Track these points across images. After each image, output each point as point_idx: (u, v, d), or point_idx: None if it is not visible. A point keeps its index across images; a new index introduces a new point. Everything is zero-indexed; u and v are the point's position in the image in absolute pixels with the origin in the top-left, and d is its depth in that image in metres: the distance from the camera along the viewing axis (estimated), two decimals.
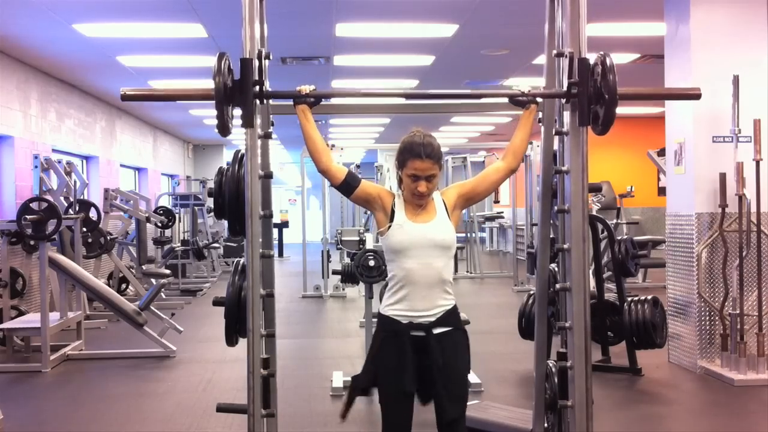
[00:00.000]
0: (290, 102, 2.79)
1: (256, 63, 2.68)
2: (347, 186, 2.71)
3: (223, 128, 2.65)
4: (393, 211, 2.69)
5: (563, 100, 2.82)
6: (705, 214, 5.51)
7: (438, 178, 2.68)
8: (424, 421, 2.73)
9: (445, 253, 2.66)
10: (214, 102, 2.59)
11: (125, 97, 2.78)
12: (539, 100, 2.96)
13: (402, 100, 10.59)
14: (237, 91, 2.65)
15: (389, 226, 2.67)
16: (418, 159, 2.62)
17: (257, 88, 2.68)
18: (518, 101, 2.78)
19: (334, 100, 6.09)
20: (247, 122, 2.68)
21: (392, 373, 2.63)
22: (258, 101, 2.73)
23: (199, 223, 13.16)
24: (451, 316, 2.68)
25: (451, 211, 2.70)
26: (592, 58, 2.72)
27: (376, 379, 2.68)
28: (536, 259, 3.29)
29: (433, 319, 2.64)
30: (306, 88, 2.74)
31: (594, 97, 2.67)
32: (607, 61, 2.62)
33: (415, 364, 2.61)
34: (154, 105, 11.70)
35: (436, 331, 2.64)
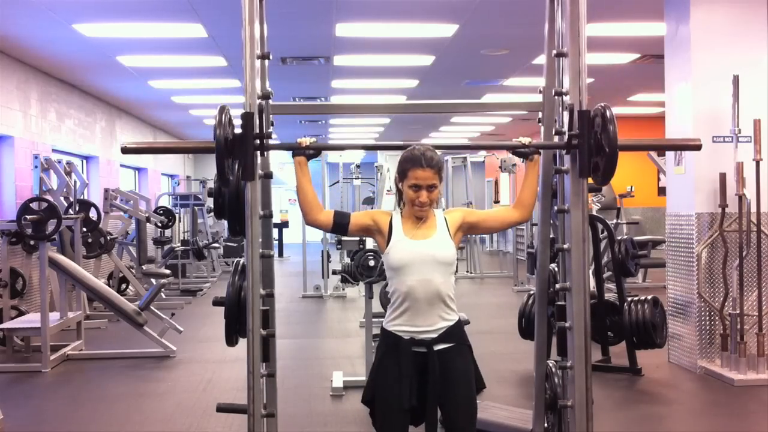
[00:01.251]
0: (291, 101, 2.79)
1: (257, 117, 2.69)
2: (339, 226, 2.72)
3: (224, 181, 2.66)
4: (391, 230, 2.69)
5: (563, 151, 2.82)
6: (705, 214, 5.51)
7: (439, 190, 2.67)
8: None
9: (445, 269, 2.64)
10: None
11: (126, 150, 2.81)
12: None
13: (402, 98, 10.60)
14: (238, 144, 2.65)
15: (388, 244, 2.67)
16: (419, 168, 2.62)
17: (258, 141, 2.69)
18: (520, 153, 2.79)
19: (333, 99, 6.10)
20: (248, 175, 2.69)
21: (389, 387, 2.62)
22: (258, 153, 2.73)
23: (199, 223, 13.16)
24: (454, 332, 2.66)
25: (453, 233, 2.69)
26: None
27: (376, 394, 2.68)
28: (536, 259, 3.29)
29: (435, 335, 2.63)
30: (306, 141, 2.75)
31: (594, 149, 2.66)
32: (608, 113, 2.61)
33: (415, 379, 2.60)
34: (154, 105, 11.70)
35: (438, 347, 2.63)
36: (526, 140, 2.78)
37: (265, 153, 2.86)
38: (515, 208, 2.80)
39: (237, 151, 2.66)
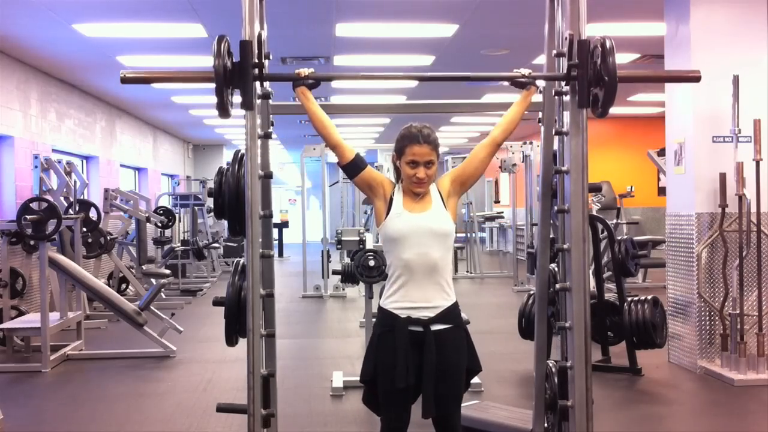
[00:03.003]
0: (290, 102, 2.80)
1: (255, 45, 2.68)
2: (354, 166, 2.73)
3: (223, 110, 2.66)
4: (391, 202, 2.72)
5: (563, 83, 2.82)
6: (705, 214, 5.51)
7: (436, 166, 2.71)
8: (417, 411, 2.72)
9: (442, 242, 2.67)
10: (213, 87, 2.61)
11: (125, 80, 2.79)
12: (540, 83, 2.98)
13: (402, 99, 10.61)
14: (236, 73, 2.66)
15: (387, 215, 2.69)
16: (416, 144, 2.67)
17: (257, 70, 2.69)
18: (519, 83, 2.81)
19: (334, 100, 6.12)
20: (247, 104, 2.70)
21: (388, 369, 2.64)
22: (258, 83, 2.73)
23: (199, 223, 13.16)
24: (451, 314, 2.68)
25: (446, 200, 2.73)
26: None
27: (374, 373, 2.69)
28: (536, 259, 3.29)
29: (432, 314, 2.65)
30: (305, 71, 2.76)
31: (594, 80, 2.67)
32: (607, 43, 2.62)
33: (412, 359, 2.62)
34: (154, 105, 11.70)
35: (435, 327, 2.64)
36: (525, 71, 2.81)
37: (264, 83, 2.87)
38: (491, 133, 2.81)
39: (236, 81, 2.66)
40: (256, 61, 2.68)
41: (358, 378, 2.81)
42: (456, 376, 2.68)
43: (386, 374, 2.64)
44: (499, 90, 10.42)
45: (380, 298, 2.77)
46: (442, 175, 2.83)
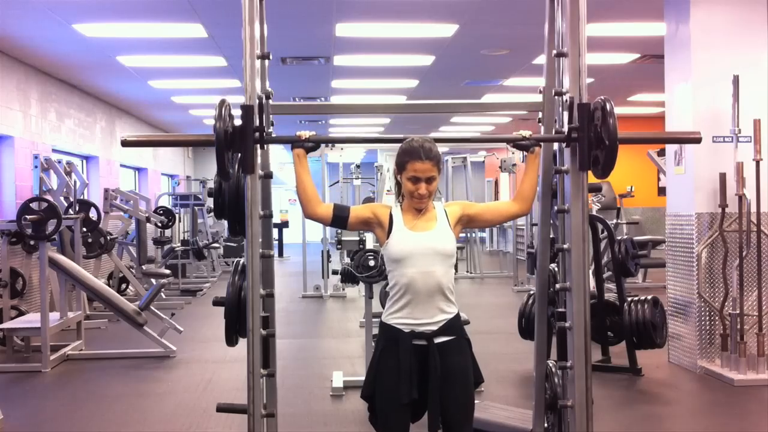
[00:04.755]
0: (291, 101, 2.80)
1: (257, 110, 2.69)
2: (339, 219, 2.72)
3: (224, 174, 2.66)
4: (391, 222, 2.68)
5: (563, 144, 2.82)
6: (705, 214, 5.51)
7: (437, 181, 2.67)
8: (424, 422, 2.72)
9: (445, 261, 2.64)
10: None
11: (126, 144, 2.82)
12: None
13: (402, 99, 10.60)
14: (237, 137, 2.66)
15: (389, 236, 2.67)
16: (418, 160, 2.62)
17: (257, 134, 2.69)
18: (520, 145, 2.79)
19: (333, 99, 6.13)
20: (248, 168, 2.70)
21: (390, 382, 2.61)
22: (258, 147, 2.73)
23: (199, 223, 13.17)
24: (454, 326, 2.66)
25: (453, 225, 2.69)
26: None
27: (375, 388, 2.68)
28: (536, 259, 3.29)
29: (435, 328, 2.63)
30: (305, 134, 2.74)
31: (594, 142, 2.67)
32: (608, 106, 2.62)
33: (416, 373, 2.60)
34: (154, 105, 11.71)
35: (438, 340, 2.63)
36: (526, 133, 2.79)
37: (265, 146, 2.86)
38: (515, 201, 2.80)
39: (237, 144, 2.66)
40: (257, 125, 2.69)
41: (360, 386, 2.79)
42: (463, 380, 2.64)
43: (389, 389, 2.61)
44: (499, 90, 10.42)
45: (380, 303, 2.76)
46: (455, 201, 2.82)
